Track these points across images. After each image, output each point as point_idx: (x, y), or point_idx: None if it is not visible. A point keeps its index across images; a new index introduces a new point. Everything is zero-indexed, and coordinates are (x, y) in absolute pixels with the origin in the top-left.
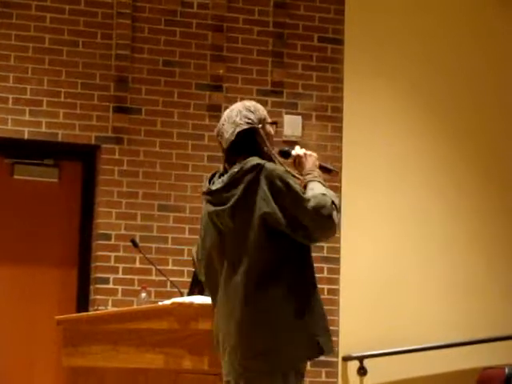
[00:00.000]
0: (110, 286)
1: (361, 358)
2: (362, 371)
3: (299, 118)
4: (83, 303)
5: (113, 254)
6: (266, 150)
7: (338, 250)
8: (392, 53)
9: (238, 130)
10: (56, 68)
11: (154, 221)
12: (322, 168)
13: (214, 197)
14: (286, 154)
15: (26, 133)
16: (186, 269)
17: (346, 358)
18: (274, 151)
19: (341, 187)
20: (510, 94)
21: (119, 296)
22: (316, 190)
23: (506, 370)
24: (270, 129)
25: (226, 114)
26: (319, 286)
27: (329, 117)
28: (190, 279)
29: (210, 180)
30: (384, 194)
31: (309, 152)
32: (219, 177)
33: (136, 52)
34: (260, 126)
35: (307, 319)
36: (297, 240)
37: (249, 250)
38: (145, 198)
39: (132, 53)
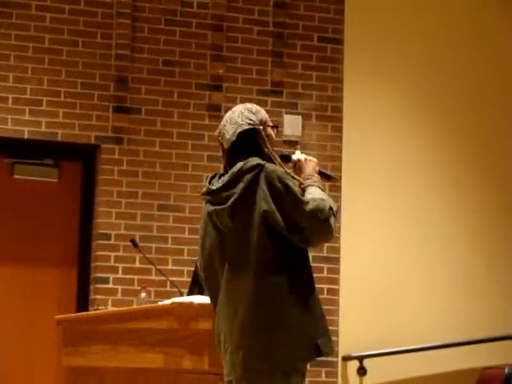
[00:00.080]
0: (110, 285)
1: (360, 358)
2: (362, 371)
3: (299, 117)
4: (83, 303)
5: (112, 254)
6: (267, 151)
7: (337, 250)
8: (392, 53)
9: (239, 130)
10: (56, 68)
11: (153, 220)
12: (322, 174)
13: (213, 196)
14: (286, 158)
15: (26, 132)
16: (185, 268)
17: (346, 358)
18: (275, 154)
19: (341, 187)
20: (510, 93)
21: (119, 296)
22: (314, 194)
23: (506, 370)
24: (272, 132)
25: (227, 115)
26: (319, 285)
27: (329, 117)
28: (189, 279)
29: (210, 181)
30: (384, 194)
31: (309, 157)
32: (219, 177)
33: (136, 52)
34: (261, 127)
35: (307, 320)
36: (293, 242)
37: (250, 249)
38: (144, 198)
39: (132, 52)
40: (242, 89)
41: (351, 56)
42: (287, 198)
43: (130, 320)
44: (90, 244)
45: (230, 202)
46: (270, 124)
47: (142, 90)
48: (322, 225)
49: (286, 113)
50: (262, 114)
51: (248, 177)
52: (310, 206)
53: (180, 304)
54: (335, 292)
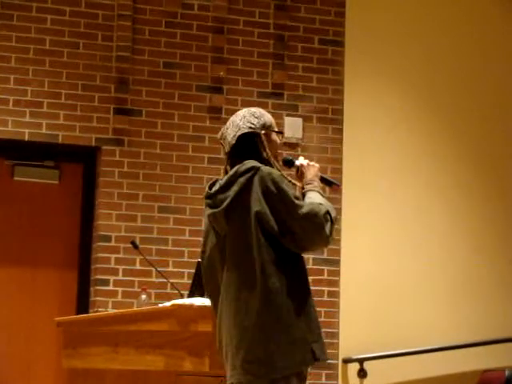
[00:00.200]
0: (110, 287)
1: (361, 361)
2: (362, 373)
3: (300, 119)
4: (83, 305)
5: (113, 256)
6: (265, 155)
7: (338, 252)
8: (392, 54)
9: (238, 133)
10: (56, 70)
11: (154, 222)
12: (324, 180)
13: (212, 200)
14: (289, 163)
15: (27, 134)
16: (186, 270)
17: (346, 361)
18: (279, 159)
19: (341, 189)
20: (510, 93)
21: (119, 298)
22: (314, 199)
23: (506, 373)
24: (276, 137)
25: (231, 118)
26: (319, 287)
27: (329, 119)
28: (190, 281)
29: (211, 186)
30: (384, 196)
31: (312, 163)
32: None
33: (136, 54)
34: (263, 131)
35: (303, 324)
36: (287, 246)
37: (247, 251)
38: (145, 200)
39: (132, 54)
40: (242, 91)
41: (352, 58)
42: (280, 200)
43: (130, 322)
44: (91, 246)
45: (224, 204)
46: (275, 129)
47: (142, 91)
48: (315, 230)
49: (287, 115)
50: (266, 118)
51: (242, 179)
52: (303, 210)
53: (180, 306)
54: (336, 294)
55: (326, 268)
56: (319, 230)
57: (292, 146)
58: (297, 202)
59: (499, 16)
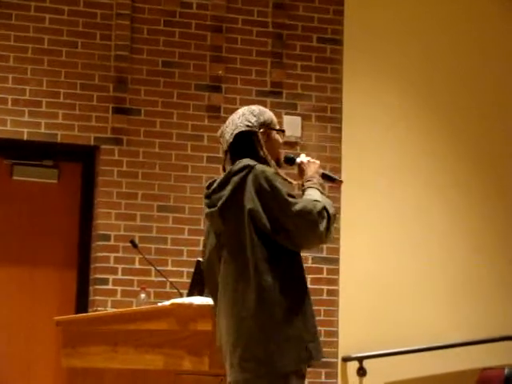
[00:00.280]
0: (110, 286)
1: (360, 359)
2: (362, 372)
3: (298, 118)
4: (82, 304)
5: (112, 255)
6: (262, 153)
7: (337, 251)
8: (391, 53)
9: (236, 131)
10: (55, 69)
11: (153, 222)
12: (326, 176)
13: (209, 199)
14: (290, 161)
15: (26, 134)
16: (185, 269)
17: (346, 359)
18: (281, 158)
19: (340, 188)
20: (509, 93)
21: (118, 297)
22: (311, 196)
23: (506, 371)
24: (277, 136)
25: (231, 116)
26: (319, 286)
27: (328, 117)
28: (189, 280)
29: (210, 185)
30: (383, 195)
31: (312, 160)
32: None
33: (135, 53)
34: (261, 130)
35: (299, 323)
36: (282, 244)
37: (242, 250)
38: (144, 199)
39: (131, 54)
40: (241, 90)
41: (350, 57)
42: (273, 198)
43: (129, 321)
44: (90, 245)
45: (219, 204)
46: (276, 127)
47: (141, 91)
48: (308, 227)
49: (286, 114)
50: (266, 116)
51: (236, 178)
52: (296, 208)
53: (180, 305)
54: (335, 293)
55: (325, 266)
56: (313, 227)
57: (291, 144)
58: (290, 199)
59: (498, 14)
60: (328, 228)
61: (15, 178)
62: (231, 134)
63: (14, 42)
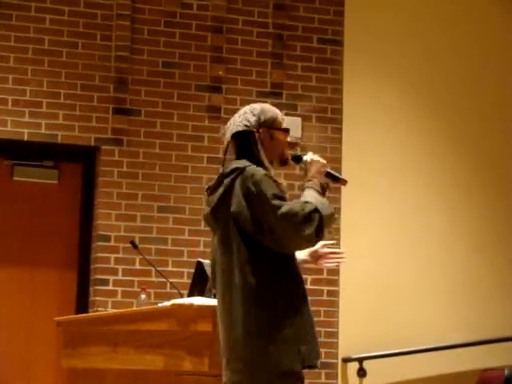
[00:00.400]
0: (110, 287)
1: (360, 360)
2: (362, 373)
3: (299, 119)
4: (83, 305)
5: (112, 256)
6: (257, 154)
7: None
8: (391, 54)
9: (233, 131)
10: (55, 69)
11: (153, 222)
12: (330, 175)
13: (207, 201)
14: (297, 159)
15: (26, 134)
16: (185, 270)
17: (346, 360)
18: (285, 157)
19: (340, 188)
20: (509, 93)
21: (119, 297)
22: (305, 197)
23: (506, 372)
24: (280, 135)
25: (235, 114)
26: (319, 287)
27: (328, 118)
28: (189, 280)
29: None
30: (383, 195)
31: (317, 158)
32: None
33: (135, 53)
34: (261, 129)
35: (290, 327)
36: (269, 246)
37: (228, 251)
38: (144, 200)
39: (131, 54)
40: (241, 90)
41: (351, 57)
42: (258, 200)
43: (129, 322)
44: (90, 246)
45: (211, 206)
46: (280, 126)
47: (141, 91)
48: (294, 229)
49: (286, 114)
50: (269, 115)
51: (227, 180)
52: (282, 210)
53: (180, 306)
54: (335, 293)
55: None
56: (297, 229)
57: (291, 145)
58: (275, 202)
59: (498, 15)
60: (319, 230)
61: (15, 178)
62: (230, 134)
63: (15, 42)
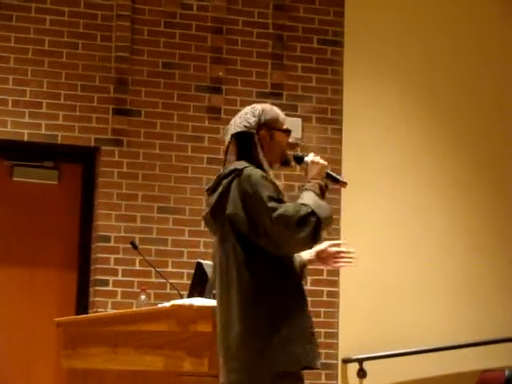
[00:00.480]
0: (110, 288)
1: (360, 361)
2: (362, 373)
3: (299, 120)
4: (83, 305)
5: (112, 256)
6: (256, 155)
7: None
8: (391, 54)
9: (233, 132)
10: (56, 70)
11: (153, 223)
12: (330, 177)
13: (207, 202)
14: (299, 160)
15: (26, 135)
16: (185, 271)
17: (346, 361)
18: (288, 158)
19: (340, 189)
20: (509, 93)
21: (119, 298)
22: (302, 199)
23: (506, 373)
24: (281, 136)
25: (236, 115)
26: (319, 288)
27: (328, 119)
28: (189, 281)
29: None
30: (383, 195)
31: (317, 159)
32: None
33: (135, 54)
34: (261, 131)
35: (285, 328)
36: (264, 248)
37: (225, 253)
38: (144, 200)
39: (131, 55)
40: (241, 91)
41: (351, 58)
42: (254, 203)
43: (129, 322)
44: (90, 246)
45: (210, 207)
46: (281, 127)
47: (141, 92)
48: (288, 232)
49: (286, 115)
50: (269, 116)
51: (225, 182)
52: (278, 212)
53: (180, 306)
54: (335, 294)
55: (325, 268)
56: (291, 232)
57: (291, 146)
58: (270, 204)
59: (498, 15)
60: (315, 232)
61: (15, 179)
62: (230, 135)
63: (15, 43)
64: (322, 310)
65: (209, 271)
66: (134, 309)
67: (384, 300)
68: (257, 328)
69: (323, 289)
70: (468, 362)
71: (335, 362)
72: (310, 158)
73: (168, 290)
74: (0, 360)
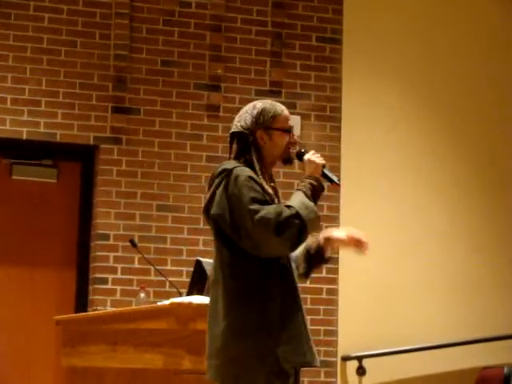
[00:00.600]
0: (109, 286)
1: (360, 358)
2: (361, 371)
3: (298, 117)
4: (82, 303)
5: (111, 254)
6: (249, 156)
7: (336, 250)
8: (390, 52)
9: (232, 130)
10: (54, 68)
11: (152, 221)
12: (325, 176)
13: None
14: (300, 157)
15: (25, 133)
16: (184, 269)
17: (345, 358)
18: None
19: (339, 188)
20: (509, 93)
21: (118, 296)
22: (290, 200)
23: (505, 370)
24: (280, 136)
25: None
26: (318, 285)
27: (327, 117)
28: (188, 279)
29: None
30: (383, 194)
31: (313, 158)
32: None
33: (134, 52)
34: (258, 131)
35: (265, 329)
36: (247, 250)
37: (215, 253)
38: (143, 198)
39: (130, 53)
40: (240, 89)
41: (350, 56)
42: (237, 204)
43: (128, 320)
44: (89, 244)
45: (204, 205)
46: (279, 125)
47: (140, 90)
48: (268, 235)
49: None
50: (268, 115)
51: (216, 182)
52: (258, 216)
53: (179, 304)
54: (334, 292)
55: (324, 266)
56: (271, 234)
57: (292, 144)
58: (252, 207)
59: (498, 15)
60: (298, 234)
61: (14, 177)
62: (229, 134)
63: (13, 41)
64: (321, 307)
65: (208, 269)
66: (134, 307)
67: (383, 298)
68: (245, 328)
69: (322, 286)
70: (467, 360)
71: (334, 359)
72: (308, 156)
73: (167, 288)
74: (0, 359)
